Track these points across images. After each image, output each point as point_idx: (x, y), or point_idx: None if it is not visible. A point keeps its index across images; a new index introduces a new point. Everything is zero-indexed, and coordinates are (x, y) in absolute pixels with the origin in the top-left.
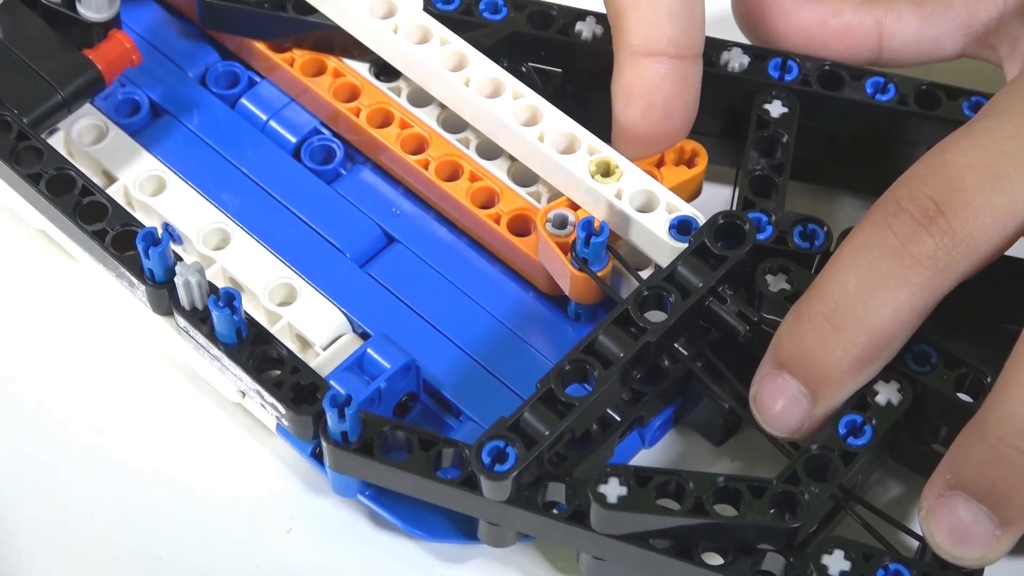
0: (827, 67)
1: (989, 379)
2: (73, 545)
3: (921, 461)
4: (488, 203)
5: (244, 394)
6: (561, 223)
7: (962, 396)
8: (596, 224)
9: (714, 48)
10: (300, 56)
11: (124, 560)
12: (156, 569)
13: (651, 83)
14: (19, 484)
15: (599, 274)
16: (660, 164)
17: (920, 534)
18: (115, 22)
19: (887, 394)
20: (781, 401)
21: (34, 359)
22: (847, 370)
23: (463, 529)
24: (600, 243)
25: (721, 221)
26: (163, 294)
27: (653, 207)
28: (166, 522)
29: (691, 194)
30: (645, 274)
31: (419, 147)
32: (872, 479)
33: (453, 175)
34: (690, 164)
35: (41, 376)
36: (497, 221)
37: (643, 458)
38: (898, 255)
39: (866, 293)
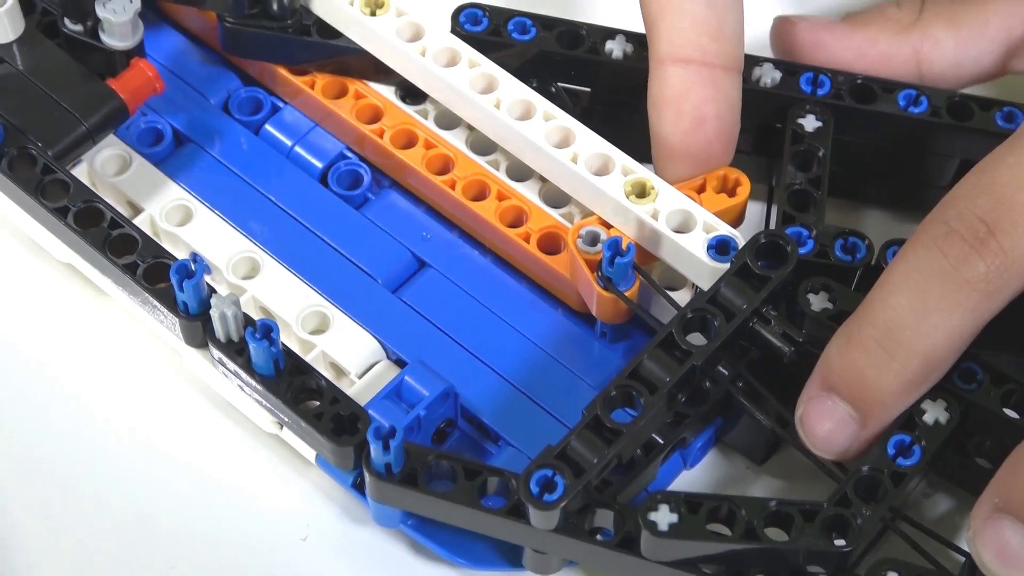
0: (859, 80)
1: None
2: (91, 558)
3: (964, 475)
4: (517, 222)
5: (282, 425)
6: (593, 240)
7: (1008, 412)
8: (623, 244)
9: (745, 64)
10: (321, 79)
11: None
12: None
13: (678, 89)
14: (43, 506)
15: (626, 294)
16: (701, 190)
17: (966, 550)
18: (138, 50)
19: (935, 413)
20: (829, 424)
21: (64, 394)
22: (898, 394)
23: (507, 556)
24: (625, 263)
25: (763, 241)
26: (197, 326)
27: (690, 227)
28: (196, 556)
29: (731, 222)
30: (678, 294)
31: (445, 167)
32: (914, 493)
33: (480, 194)
34: (732, 193)
35: (72, 410)
36: (527, 239)
37: (685, 479)
38: (949, 278)
39: (918, 317)
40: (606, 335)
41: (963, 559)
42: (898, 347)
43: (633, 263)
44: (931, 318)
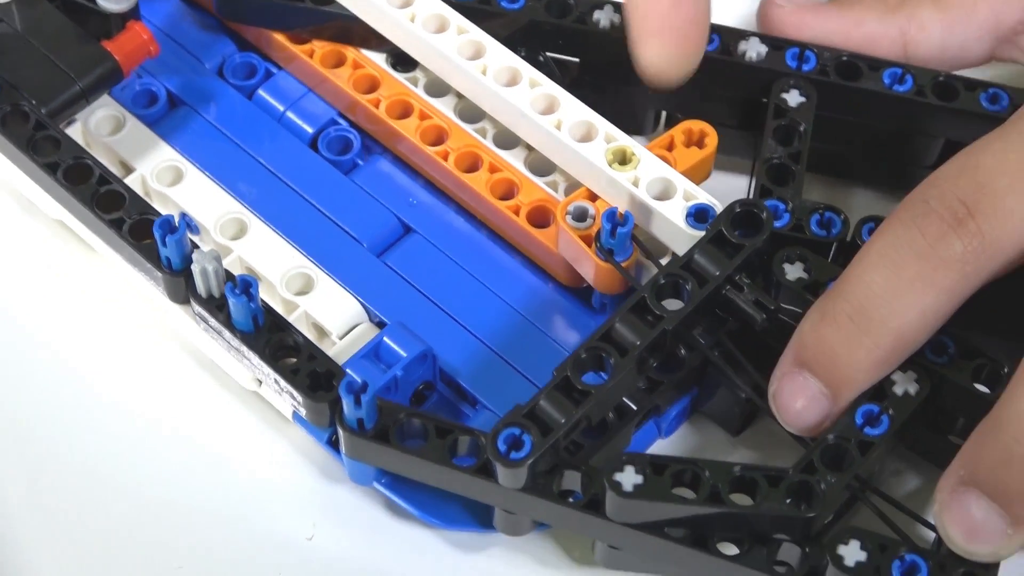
0: (845, 57)
1: (1006, 369)
2: (91, 555)
3: (937, 452)
4: (507, 194)
5: (260, 382)
6: (581, 215)
7: (979, 387)
8: (620, 214)
9: (732, 38)
10: (319, 47)
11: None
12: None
13: None
14: (31, 486)
15: (623, 264)
16: (671, 147)
17: (934, 525)
18: (133, 13)
19: (904, 384)
20: (802, 400)
21: (51, 349)
22: (868, 370)
23: (479, 518)
24: (625, 233)
25: (738, 210)
26: (180, 282)
27: (670, 195)
28: (183, 522)
29: (703, 175)
30: (665, 262)
31: (438, 138)
32: (888, 470)
33: (472, 166)
34: (700, 144)
35: (56, 366)
36: (516, 212)
37: (660, 448)
38: (926, 257)
39: (892, 295)
40: (605, 307)
41: (933, 534)
42: (871, 323)
43: (632, 233)
44: (905, 296)
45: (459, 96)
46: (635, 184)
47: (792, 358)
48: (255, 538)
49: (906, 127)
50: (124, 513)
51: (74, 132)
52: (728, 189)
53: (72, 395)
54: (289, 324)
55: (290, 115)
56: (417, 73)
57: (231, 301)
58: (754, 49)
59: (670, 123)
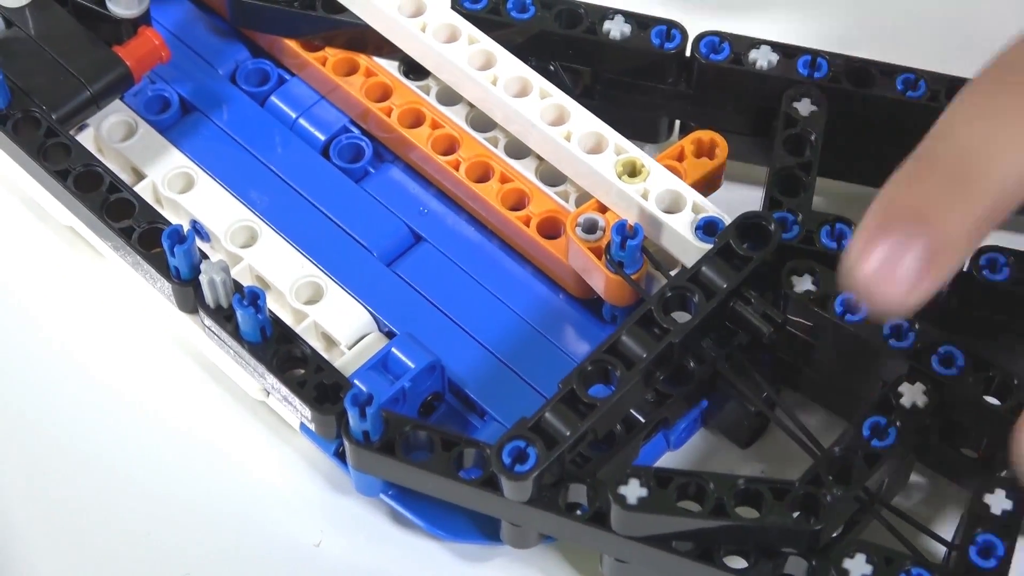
0: (857, 64)
1: (1017, 381)
2: (96, 562)
3: (952, 466)
4: (518, 205)
5: (268, 392)
6: (591, 227)
7: (989, 399)
8: (629, 226)
9: (743, 46)
10: (332, 55)
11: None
12: None
13: None
14: (36, 492)
15: (634, 276)
16: (681, 158)
17: (947, 539)
18: (145, 18)
19: (912, 396)
20: (897, 267)
21: (59, 356)
22: (971, 231)
23: (485, 530)
24: (636, 245)
25: (746, 222)
26: (188, 292)
27: (679, 208)
28: (191, 534)
29: (714, 185)
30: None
31: (450, 147)
32: (902, 483)
33: (484, 176)
34: (710, 155)
35: (63, 372)
36: (527, 223)
37: (668, 460)
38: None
39: (994, 149)
40: (616, 319)
41: (944, 548)
42: (970, 178)
43: (642, 245)
44: (1006, 152)
45: (471, 105)
46: (644, 196)
47: (879, 220)
48: (260, 546)
49: (921, 133)
50: (130, 520)
51: (86, 137)
52: (742, 199)
53: (78, 401)
54: (297, 335)
55: (302, 122)
56: (429, 81)
57: (239, 312)
58: (765, 57)
59: (684, 130)
